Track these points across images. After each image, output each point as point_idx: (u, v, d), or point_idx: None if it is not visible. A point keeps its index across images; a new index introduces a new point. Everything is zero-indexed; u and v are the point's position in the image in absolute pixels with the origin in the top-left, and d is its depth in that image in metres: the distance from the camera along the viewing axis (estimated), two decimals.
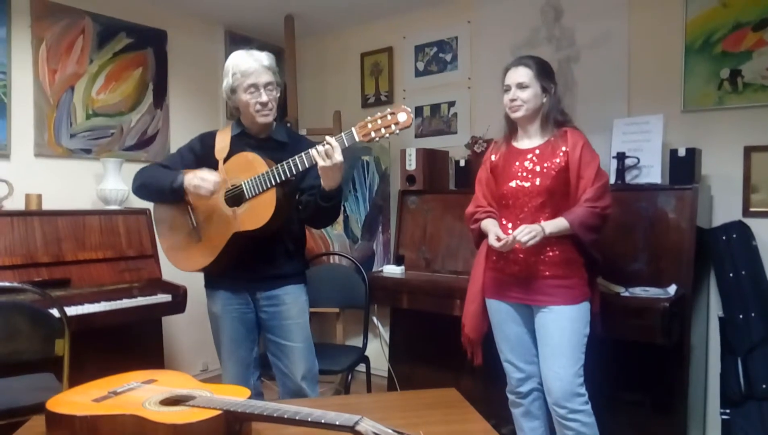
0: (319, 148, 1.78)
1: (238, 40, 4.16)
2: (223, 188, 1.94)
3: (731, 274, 2.57)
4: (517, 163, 2.06)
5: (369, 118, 1.76)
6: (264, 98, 1.96)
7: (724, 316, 2.59)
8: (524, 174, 2.03)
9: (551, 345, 1.96)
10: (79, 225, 2.90)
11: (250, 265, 2.01)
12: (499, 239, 1.93)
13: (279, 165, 1.84)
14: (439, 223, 3.29)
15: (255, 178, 1.88)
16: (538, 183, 2.00)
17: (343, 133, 1.78)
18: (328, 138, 1.79)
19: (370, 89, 4.12)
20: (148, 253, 3.09)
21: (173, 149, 3.64)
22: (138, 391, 1.25)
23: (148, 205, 3.03)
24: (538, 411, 2.13)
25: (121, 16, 3.46)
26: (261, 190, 1.87)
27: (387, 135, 1.75)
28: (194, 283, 3.34)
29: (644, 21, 2.94)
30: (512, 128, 2.14)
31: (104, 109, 3.40)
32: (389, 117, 1.74)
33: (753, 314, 2.50)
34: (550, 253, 1.98)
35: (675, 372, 2.45)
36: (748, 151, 2.65)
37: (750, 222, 2.62)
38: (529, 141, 2.08)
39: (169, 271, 3.03)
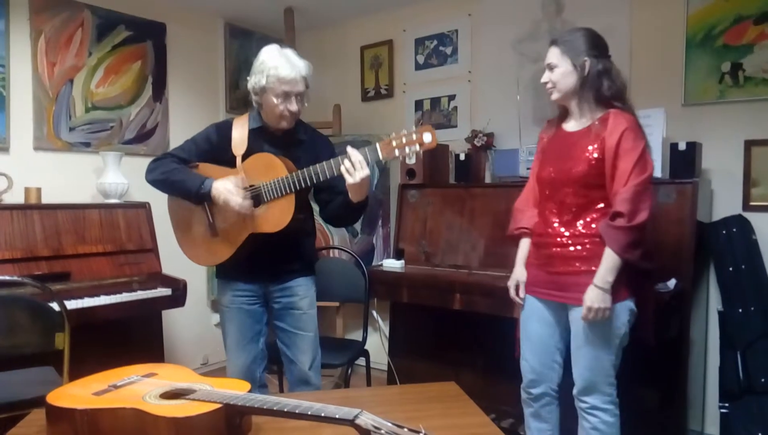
0: (347, 163, 1.77)
1: (237, 32, 4.14)
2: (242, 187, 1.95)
3: (731, 269, 2.57)
4: (559, 148, 1.93)
5: (393, 134, 1.73)
6: (294, 107, 1.96)
7: (724, 310, 2.59)
8: (562, 160, 1.89)
9: (579, 338, 1.88)
10: (79, 219, 2.89)
11: (264, 260, 2.02)
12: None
13: (299, 172, 1.85)
14: (439, 217, 3.28)
15: (274, 182, 1.88)
16: (571, 170, 1.84)
17: (366, 149, 1.77)
18: (349, 149, 1.77)
19: (370, 82, 4.11)
20: (148, 247, 3.09)
21: (173, 142, 3.64)
22: (138, 385, 1.26)
23: (148, 198, 3.06)
24: (549, 415, 2.05)
25: (120, 8, 3.44)
26: (280, 195, 1.88)
27: (411, 154, 1.73)
28: (194, 277, 3.36)
29: (645, 14, 2.93)
30: (563, 109, 1.97)
31: (103, 102, 3.38)
32: (414, 136, 1.71)
33: (752, 308, 2.50)
34: (587, 249, 1.84)
35: (674, 366, 2.45)
36: (748, 145, 2.65)
37: (750, 216, 2.62)
38: (576, 123, 1.91)
39: (169, 265, 3.05)
